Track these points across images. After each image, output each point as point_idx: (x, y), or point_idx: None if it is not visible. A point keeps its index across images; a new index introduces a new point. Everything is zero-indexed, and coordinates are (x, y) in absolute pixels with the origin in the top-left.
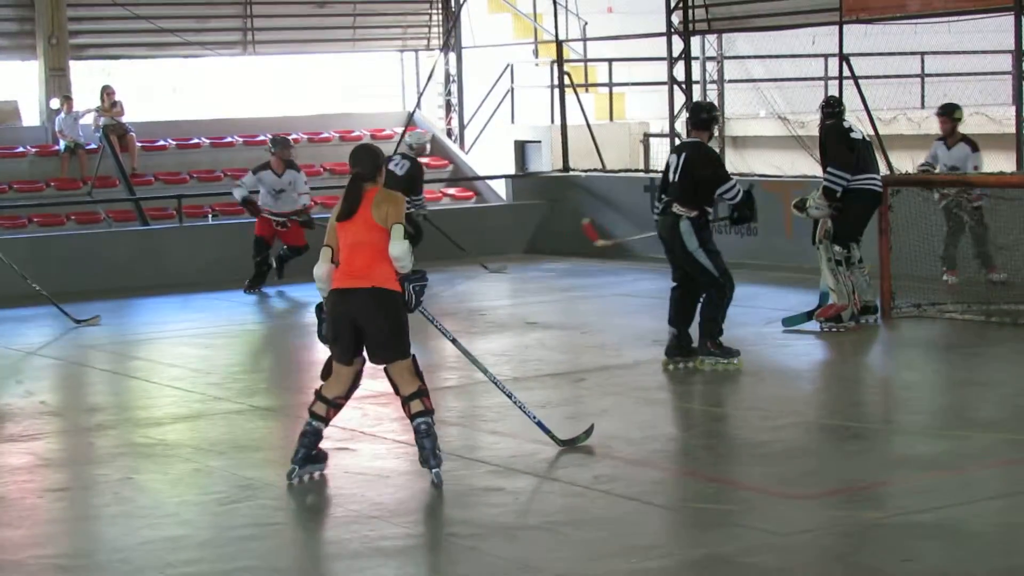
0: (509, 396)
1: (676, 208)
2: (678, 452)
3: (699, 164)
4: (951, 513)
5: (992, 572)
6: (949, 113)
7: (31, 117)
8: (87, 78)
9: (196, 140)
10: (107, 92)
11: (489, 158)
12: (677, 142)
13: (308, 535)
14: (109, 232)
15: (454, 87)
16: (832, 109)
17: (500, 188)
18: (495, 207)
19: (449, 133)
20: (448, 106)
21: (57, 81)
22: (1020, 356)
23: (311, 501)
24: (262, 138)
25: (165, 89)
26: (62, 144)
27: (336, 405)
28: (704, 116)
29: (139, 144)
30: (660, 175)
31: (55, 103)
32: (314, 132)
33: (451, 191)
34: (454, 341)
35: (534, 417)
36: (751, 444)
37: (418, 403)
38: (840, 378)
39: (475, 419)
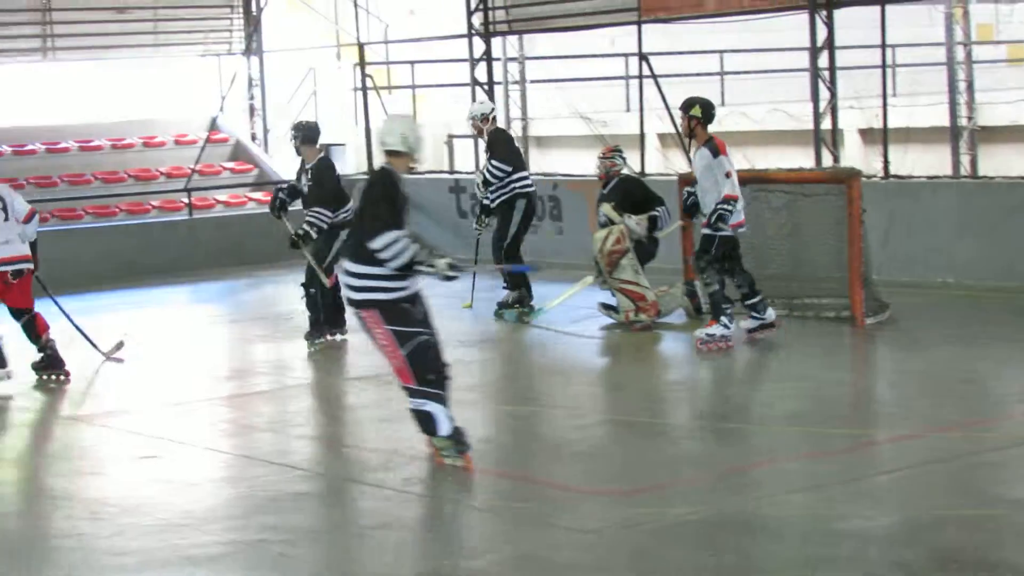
0: None
1: None
2: (488, 452)
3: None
4: (755, 507)
5: (793, 562)
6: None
7: None
8: None
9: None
10: None
11: (293, 162)
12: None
13: (117, 545)
14: None
15: (257, 91)
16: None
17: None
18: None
19: (253, 137)
20: (252, 110)
21: None
22: (820, 350)
23: (113, 510)
24: (64, 145)
25: None
26: None
27: None
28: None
29: None
30: (465, 176)
31: None
32: (117, 138)
33: (256, 195)
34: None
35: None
36: (559, 443)
37: None
38: (647, 376)
39: (284, 424)
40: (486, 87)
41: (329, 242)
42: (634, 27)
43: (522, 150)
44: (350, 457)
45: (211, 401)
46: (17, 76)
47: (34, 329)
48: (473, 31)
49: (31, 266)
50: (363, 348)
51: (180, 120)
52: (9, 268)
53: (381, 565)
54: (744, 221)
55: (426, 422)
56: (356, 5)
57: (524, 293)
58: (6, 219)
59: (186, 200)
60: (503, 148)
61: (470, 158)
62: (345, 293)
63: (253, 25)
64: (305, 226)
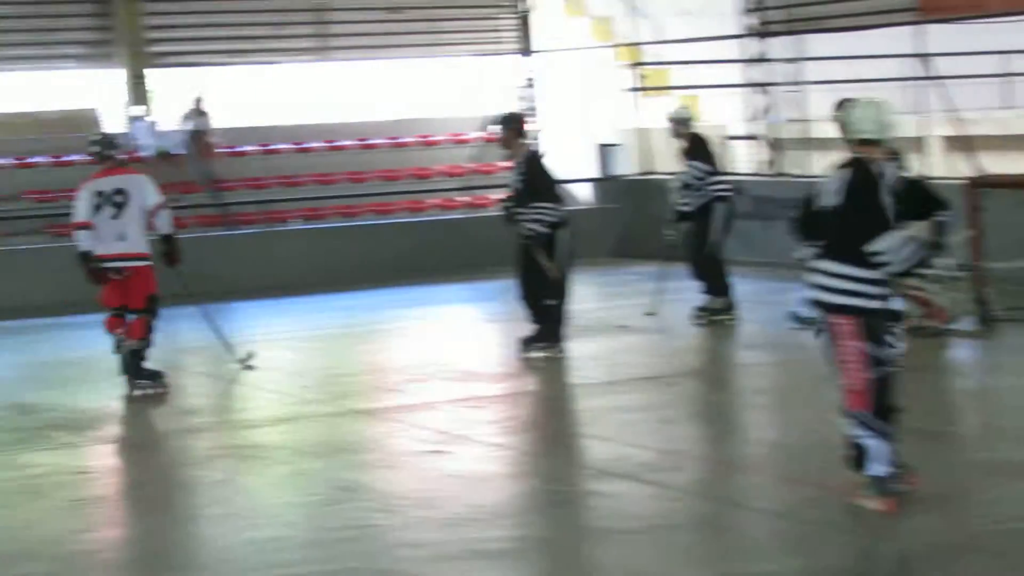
0: None
1: None
2: (779, 457)
3: None
4: None
5: None
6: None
7: (113, 125)
8: (169, 86)
9: (278, 146)
10: (195, 99)
11: (569, 162)
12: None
13: (409, 537)
14: (193, 237)
15: (531, 91)
16: None
17: (582, 192)
18: (578, 211)
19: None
20: (527, 110)
21: (137, 89)
22: None
23: (410, 504)
24: (346, 143)
25: (246, 95)
26: (147, 150)
27: None
28: None
29: (222, 150)
30: (743, 176)
31: (135, 111)
32: (393, 137)
33: None
34: None
35: None
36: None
37: None
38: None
39: (567, 423)
40: (760, 88)
41: (553, 241)
42: (914, 27)
43: (801, 154)
44: (632, 457)
45: (493, 398)
46: (293, 76)
47: (133, 328)
48: (748, 32)
49: (134, 264)
50: (636, 349)
51: (454, 119)
52: (111, 265)
53: (666, 566)
54: None
55: (860, 456)
56: (631, 6)
57: (730, 301)
58: (116, 215)
59: (463, 199)
60: (703, 151)
61: (743, 160)
62: (813, 294)
63: (527, 26)
64: (530, 225)
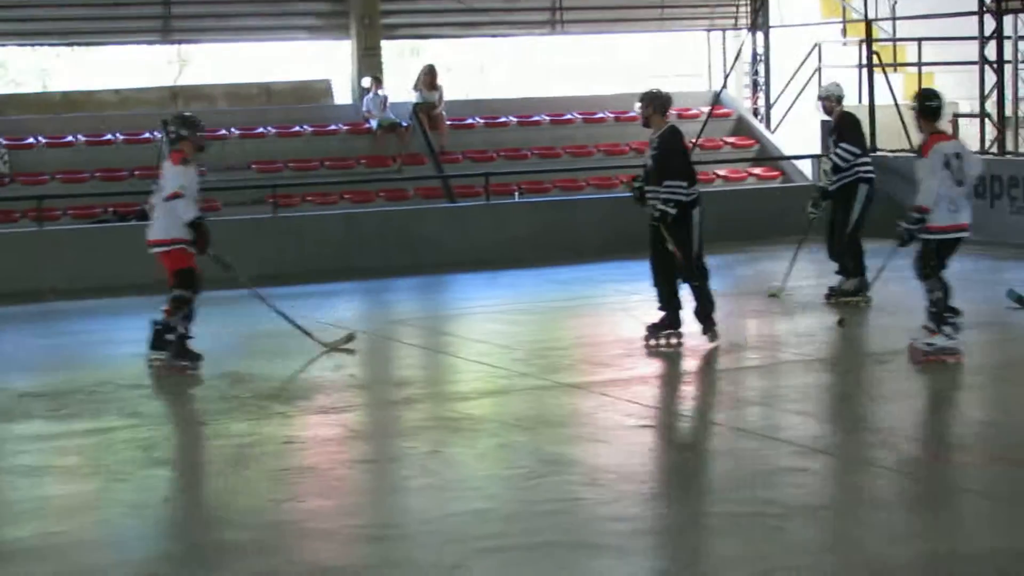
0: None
1: None
2: (992, 437)
3: None
4: None
5: None
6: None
7: (343, 96)
8: (396, 58)
9: (504, 119)
10: (428, 72)
11: (796, 138)
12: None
13: (613, 511)
14: (417, 209)
15: (761, 67)
16: None
17: (807, 168)
18: (802, 187)
19: (755, 112)
20: (755, 85)
21: (368, 61)
22: None
23: (617, 478)
24: (569, 117)
25: (472, 68)
26: (373, 122)
27: None
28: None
29: (448, 123)
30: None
31: (366, 82)
32: (621, 111)
33: (756, 171)
34: None
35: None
36: None
37: None
38: None
39: (777, 399)
40: (995, 65)
41: (686, 222)
42: None
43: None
44: (846, 435)
45: (704, 373)
46: (523, 48)
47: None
48: (984, 8)
49: (153, 251)
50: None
51: (683, 93)
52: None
53: (879, 545)
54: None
55: None
56: None
57: (865, 282)
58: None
59: None
60: (852, 132)
61: (975, 137)
62: None
63: (759, 1)
64: (661, 205)
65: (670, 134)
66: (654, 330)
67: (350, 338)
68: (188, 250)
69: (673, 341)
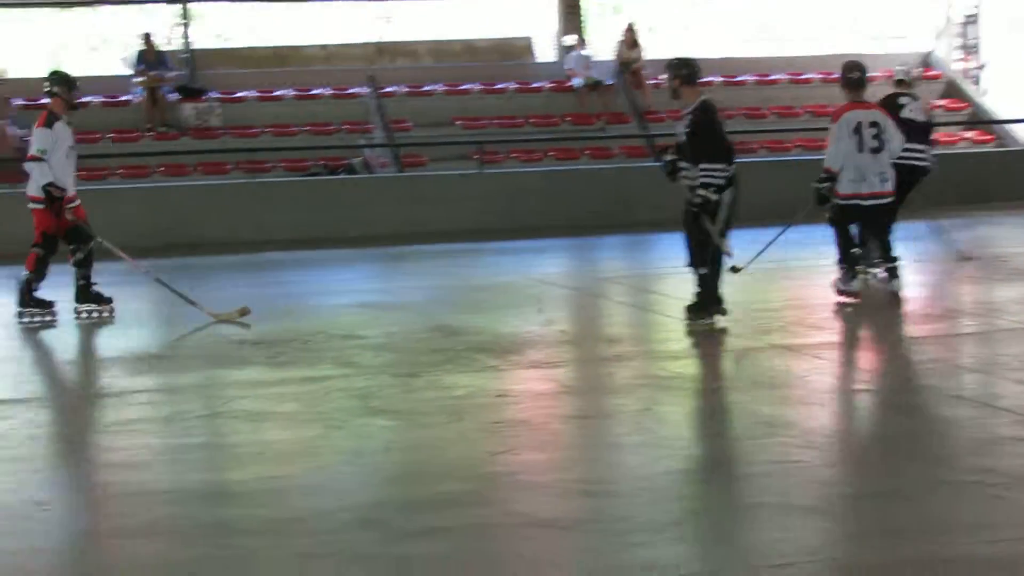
0: None
1: None
2: None
3: None
4: None
5: None
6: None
7: (545, 53)
8: (598, 17)
9: (709, 78)
10: (629, 30)
11: (1012, 101)
12: None
13: (827, 475)
14: (622, 167)
15: (973, 28)
16: None
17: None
18: (1018, 151)
19: (967, 75)
20: (967, 48)
21: (570, 18)
22: None
23: (829, 440)
24: (772, 77)
25: (675, 27)
26: (577, 80)
27: None
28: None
29: (651, 82)
30: None
31: (570, 40)
32: (825, 72)
33: (969, 135)
34: None
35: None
36: None
37: None
38: None
39: (998, 367)
40: None
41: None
42: None
43: None
44: None
45: (919, 338)
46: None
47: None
48: None
49: (29, 206)
50: None
51: (892, 55)
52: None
53: None
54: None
55: None
56: None
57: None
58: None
59: None
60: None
61: None
62: None
63: None
64: (701, 191)
65: (702, 111)
66: (691, 312)
67: (244, 312)
68: (50, 212)
69: (705, 324)
